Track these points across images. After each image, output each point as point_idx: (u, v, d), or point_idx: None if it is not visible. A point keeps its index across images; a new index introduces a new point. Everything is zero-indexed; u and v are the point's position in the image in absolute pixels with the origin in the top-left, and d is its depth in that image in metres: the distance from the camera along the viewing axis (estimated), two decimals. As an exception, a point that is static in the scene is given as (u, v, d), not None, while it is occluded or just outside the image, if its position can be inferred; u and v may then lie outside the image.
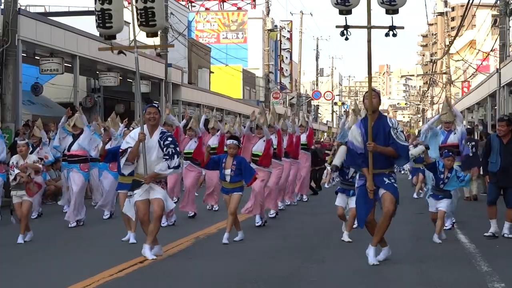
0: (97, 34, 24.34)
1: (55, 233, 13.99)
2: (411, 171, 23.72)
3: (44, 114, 24.07)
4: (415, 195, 20.32)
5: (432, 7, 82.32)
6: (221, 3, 64.58)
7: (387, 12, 10.20)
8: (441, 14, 79.53)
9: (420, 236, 12.77)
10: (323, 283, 9.18)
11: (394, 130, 9.67)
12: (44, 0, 39.31)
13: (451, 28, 73.31)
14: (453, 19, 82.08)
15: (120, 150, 10.51)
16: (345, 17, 10.26)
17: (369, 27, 10.06)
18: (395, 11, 10.17)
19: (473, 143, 16.76)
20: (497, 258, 10.82)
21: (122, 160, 10.47)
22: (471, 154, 14.59)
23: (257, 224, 14.34)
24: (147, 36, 10.88)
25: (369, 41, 10.10)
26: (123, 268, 9.88)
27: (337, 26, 10.31)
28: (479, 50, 52.23)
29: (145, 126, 10.38)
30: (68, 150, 15.26)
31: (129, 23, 11.74)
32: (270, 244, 12.36)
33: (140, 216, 10.37)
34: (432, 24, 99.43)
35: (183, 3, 55.62)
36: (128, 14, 11.73)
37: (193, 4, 62.27)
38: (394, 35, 10.34)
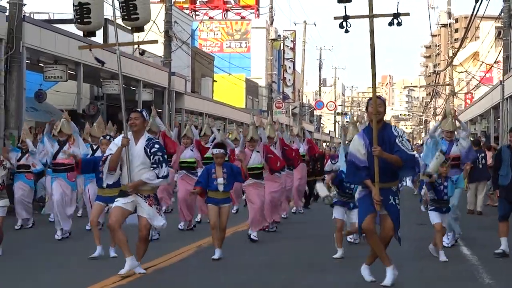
0: (101, 42, 24.70)
1: (37, 245, 13.56)
2: (420, 183, 22.50)
3: (47, 120, 23.97)
4: (423, 208, 18.23)
5: (436, 18, 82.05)
6: (225, 12, 64.70)
7: None
8: (444, 25, 79.58)
9: (422, 248, 12.31)
10: None
11: (399, 138, 9.05)
12: (49, 7, 39.39)
13: (455, 39, 73.53)
14: (456, 30, 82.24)
15: (103, 158, 9.96)
16: (345, 6, 9.58)
17: (371, 16, 9.38)
18: None
19: (483, 154, 16.17)
20: (500, 271, 10.70)
21: (105, 169, 9.86)
22: (481, 166, 14.09)
23: (253, 238, 13.58)
24: (132, 31, 10.41)
25: (371, 31, 9.47)
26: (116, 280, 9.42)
27: (335, 17, 9.59)
28: (482, 62, 52.34)
29: (130, 133, 9.81)
30: (54, 158, 14.22)
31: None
32: (265, 258, 11.98)
33: (111, 221, 9.60)
34: (435, 35, 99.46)
35: (187, 11, 55.79)
36: (109, 10, 11.39)
37: (196, 13, 62.44)
38: (399, 23, 9.59)
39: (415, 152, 9.73)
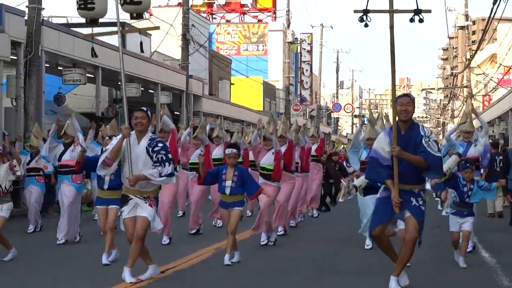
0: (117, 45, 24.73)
1: (44, 249, 13.18)
2: (436, 186, 21.40)
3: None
4: (444, 213, 17.63)
5: (453, 20, 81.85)
6: (242, 15, 64.68)
7: None
8: (462, 27, 79.46)
9: (439, 253, 12.25)
10: None
11: (426, 138, 8.58)
12: (66, 11, 39.63)
13: (472, 41, 73.17)
14: (474, 32, 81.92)
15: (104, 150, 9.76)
16: (367, 2, 9.26)
17: (391, 11, 9.06)
18: None
19: (501, 157, 15.60)
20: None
21: (100, 159, 9.46)
22: (498, 169, 13.65)
23: (262, 243, 13.36)
24: (131, 17, 10.01)
25: (391, 27, 9.13)
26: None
27: (355, 11, 9.21)
28: (500, 64, 52.07)
29: (133, 132, 9.44)
30: (59, 160, 13.94)
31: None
32: (276, 264, 11.62)
33: (128, 235, 9.44)
34: (452, 38, 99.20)
35: (204, 15, 55.84)
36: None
37: (213, 16, 62.48)
38: (421, 20, 9.23)
39: (441, 154, 9.15)
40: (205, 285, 9.76)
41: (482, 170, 13.03)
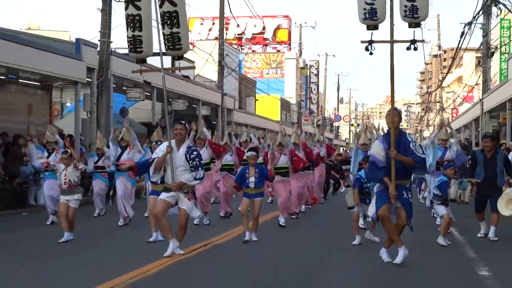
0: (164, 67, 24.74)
1: (100, 232, 12.66)
2: (419, 180, 20.24)
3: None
4: (420, 198, 18.06)
5: (429, 50, 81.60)
6: (264, 46, 64.57)
7: (410, 25, 8.82)
8: (435, 56, 79.23)
9: (420, 233, 11.73)
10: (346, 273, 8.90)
11: (413, 143, 8.51)
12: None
13: (443, 66, 72.78)
14: (445, 59, 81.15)
15: (150, 161, 9.56)
16: (372, 33, 8.82)
17: (392, 41, 8.73)
18: (418, 24, 8.79)
19: (469, 156, 15.56)
20: (483, 247, 10.49)
21: (151, 169, 9.43)
22: (468, 166, 13.50)
23: (281, 224, 13.17)
24: (174, 59, 9.79)
25: (392, 54, 8.80)
26: (152, 267, 8.60)
27: (362, 41, 8.92)
28: (465, 84, 51.76)
29: (173, 140, 9.34)
30: (117, 160, 13.85)
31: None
32: (294, 240, 11.57)
33: (156, 211, 9.33)
34: (428, 63, 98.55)
35: (235, 46, 55.83)
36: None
37: (242, 47, 62.36)
38: (415, 48, 9.01)
39: (425, 156, 9.09)
40: (220, 264, 9.29)
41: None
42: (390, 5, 8.48)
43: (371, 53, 8.88)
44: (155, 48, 9.72)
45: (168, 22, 9.07)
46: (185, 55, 10.21)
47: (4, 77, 19.36)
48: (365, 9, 8.56)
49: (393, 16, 8.57)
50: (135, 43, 9.46)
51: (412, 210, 8.66)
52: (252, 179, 10.88)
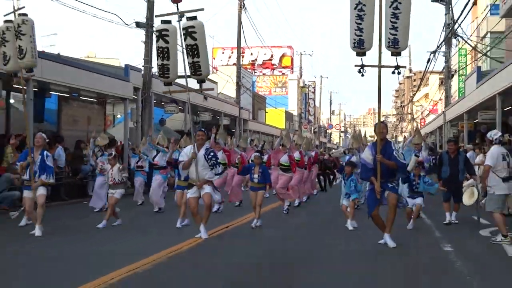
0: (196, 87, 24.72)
1: (136, 218, 12.26)
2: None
3: (168, 137, 24.19)
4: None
5: (402, 72, 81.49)
6: (272, 70, 64.45)
7: (392, 54, 8.58)
8: (407, 77, 78.78)
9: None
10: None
11: (396, 151, 8.40)
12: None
13: (414, 85, 72.40)
14: (415, 80, 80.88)
15: (178, 162, 9.43)
16: (361, 58, 8.57)
17: (380, 66, 8.58)
18: (398, 53, 8.55)
19: (434, 156, 15.45)
20: (447, 230, 10.44)
21: (180, 169, 9.43)
22: (431, 165, 13.38)
23: (284, 211, 12.99)
24: (197, 82, 9.32)
25: (379, 77, 8.59)
26: (184, 244, 8.45)
27: (355, 65, 8.63)
28: (431, 99, 51.59)
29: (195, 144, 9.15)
30: (153, 160, 13.87)
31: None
32: (294, 223, 11.54)
33: (191, 208, 9.11)
34: (401, 83, 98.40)
35: (249, 70, 55.77)
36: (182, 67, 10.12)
37: (255, 71, 62.27)
38: (399, 72, 8.87)
39: (406, 162, 8.94)
40: (232, 245, 9.00)
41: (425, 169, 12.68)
42: (379, 36, 8.34)
43: (362, 75, 8.68)
44: (180, 71, 9.55)
45: (190, 53, 8.92)
46: (210, 77, 10.06)
47: (68, 95, 19.41)
48: (354, 39, 8.42)
49: (381, 46, 8.42)
50: (163, 70, 9.31)
51: (399, 193, 8.50)
52: (256, 175, 10.70)
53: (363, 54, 8.56)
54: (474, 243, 9.06)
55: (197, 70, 9.03)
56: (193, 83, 9.51)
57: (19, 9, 10.29)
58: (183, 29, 8.87)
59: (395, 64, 8.70)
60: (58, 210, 13.75)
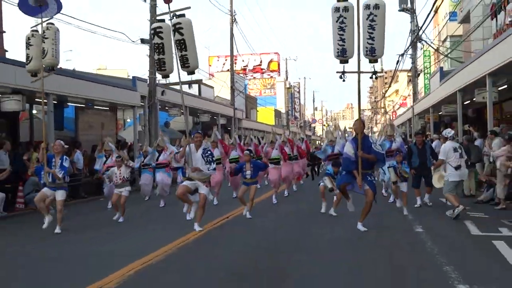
0: (196, 94, 24.65)
1: (145, 212, 12.16)
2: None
3: (170, 137, 24.11)
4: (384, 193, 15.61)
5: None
6: (262, 74, 64.27)
7: (370, 61, 8.53)
8: (380, 76, 78.61)
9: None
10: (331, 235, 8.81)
11: (373, 144, 8.35)
12: (172, 78, 39.43)
13: (385, 83, 72.45)
14: (386, 77, 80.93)
15: (174, 154, 9.38)
16: (343, 66, 8.45)
17: (359, 72, 8.48)
18: (376, 61, 8.54)
19: (406, 146, 15.21)
20: (418, 212, 10.47)
21: (173, 159, 9.38)
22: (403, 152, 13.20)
23: (274, 202, 12.85)
24: (187, 74, 9.01)
25: (359, 81, 8.50)
26: (190, 235, 8.42)
27: (337, 72, 8.50)
28: (401, 95, 51.70)
29: (192, 145, 8.98)
30: (157, 160, 13.47)
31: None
32: (284, 212, 11.42)
33: (178, 192, 8.87)
34: (374, 81, 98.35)
35: (242, 75, 55.59)
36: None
37: (246, 75, 62.04)
38: (376, 77, 9.00)
39: (383, 152, 8.87)
40: (232, 233, 9.05)
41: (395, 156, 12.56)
42: (357, 45, 8.34)
43: (344, 80, 8.61)
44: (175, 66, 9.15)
45: (179, 47, 8.74)
46: (207, 82, 9.87)
47: (84, 105, 19.32)
48: (338, 49, 8.36)
49: (359, 54, 8.37)
50: (160, 64, 9.10)
51: (375, 188, 8.42)
52: (248, 172, 10.44)
53: (346, 61, 8.47)
54: (442, 224, 9.09)
55: (185, 63, 8.80)
56: (185, 88, 9.21)
57: (45, 21, 10.39)
58: (172, 25, 8.72)
59: (373, 71, 8.75)
60: (78, 207, 13.75)
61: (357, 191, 8.44)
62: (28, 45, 10.23)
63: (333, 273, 5.83)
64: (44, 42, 9.93)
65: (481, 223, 8.99)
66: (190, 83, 10.24)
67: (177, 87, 9.67)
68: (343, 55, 8.39)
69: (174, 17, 8.78)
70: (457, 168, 9.75)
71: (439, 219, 9.66)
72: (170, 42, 8.95)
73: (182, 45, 8.73)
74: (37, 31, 10.21)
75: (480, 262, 6.25)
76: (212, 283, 5.56)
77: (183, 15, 8.77)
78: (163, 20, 9.08)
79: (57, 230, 9.30)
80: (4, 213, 12.08)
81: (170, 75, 9.37)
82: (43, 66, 10.15)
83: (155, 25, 9.07)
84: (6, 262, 7.12)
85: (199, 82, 11.56)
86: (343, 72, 8.49)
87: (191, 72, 9.05)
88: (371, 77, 8.91)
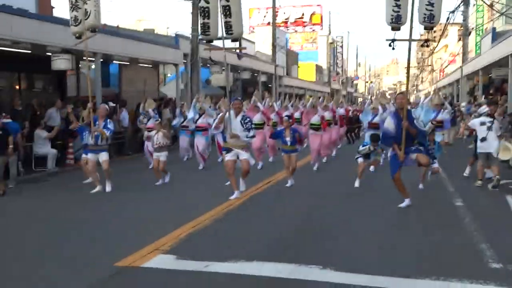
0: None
1: (185, 176, 11.91)
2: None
3: (211, 93, 24.36)
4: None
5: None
6: (303, 27, 63.20)
7: (425, 28, 8.12)
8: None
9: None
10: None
11: (415, 120, 8.11)
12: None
13: (434, 37, 70.11)
14: (435, 31, 78.32)
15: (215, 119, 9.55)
16: (395, 33, 8.04)
17: (410, 40, 8.16)
18: (432, 28, 8.14)
19: (453, 110, 14.46)
20: (461, 185, 10.34)
21: (213, 123, 9.66)
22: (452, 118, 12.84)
23: (314, 169, 12.69)
24: (232, 41, 9.04)
25: (409, 50, 8.19)
26: (235, 200, 8.64)
27: (387, 39, 8.13)
28: (450, 52, 50.06)
29: (232, 111, 9.02)
30: (195, 122, 13.36)
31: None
32: (323, 180, 11.49)
33: (227, 169, 9.00)
34: (422, 35, 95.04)
35: (282, 28, 54.90)
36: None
37: (288, 29, 61.24)
38: (427, 46, 8.68)
39: (425, 129, 8.66)
40: (269, 201, 9.00)
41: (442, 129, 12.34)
42: (411, 12, 7.96)
43: (393, 48, 8.27)
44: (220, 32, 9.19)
45: (224, 13, 8.72)
46: (248, 37, 9.52)
47: (128, 63, 19.84)
48: (392, 15, 7.97)
49: (412, 21, 8.02)
50: (204, 28, 9.01)
51: (428, 152, 8.20)
52: (288, 139, 10.33)
53: (398, 29, 8.09)
54: (483, 199, 9.03)
55: (229, 30, 8.77)
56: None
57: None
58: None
59: (425, 38, 8.49)
60: (122, 163, 14.39)
61: (407, 164, 8.28)
62: (75, 6, 10.39)
63: (369, 246, 6.06)
64: (86, 4, 10.11)
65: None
66: (233, 50, 10.15)
67: (220, 45, 9.70)
68: (397, 22, 7.93)
69: None
70: (482, 140, 10.06)
71: (482, 191, 9.66)
72: (216, 7, 8.97)
73: (227, 11, 8.74)
74: None
75: (518, 242, 6.29)
76: (260, 247, 5.85)
77: None
78: None
79: (108, 188, 9.96)
80: (56, 168, 12.89)
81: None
82: (86, 28, 10.35)
83: None
84: (58, 221, 7.64)
85: (243, 48, 11.34)
86: (393, 40, 8.16)
87: (235, 39, 9.07)
88: (422, 46, 8.69)
